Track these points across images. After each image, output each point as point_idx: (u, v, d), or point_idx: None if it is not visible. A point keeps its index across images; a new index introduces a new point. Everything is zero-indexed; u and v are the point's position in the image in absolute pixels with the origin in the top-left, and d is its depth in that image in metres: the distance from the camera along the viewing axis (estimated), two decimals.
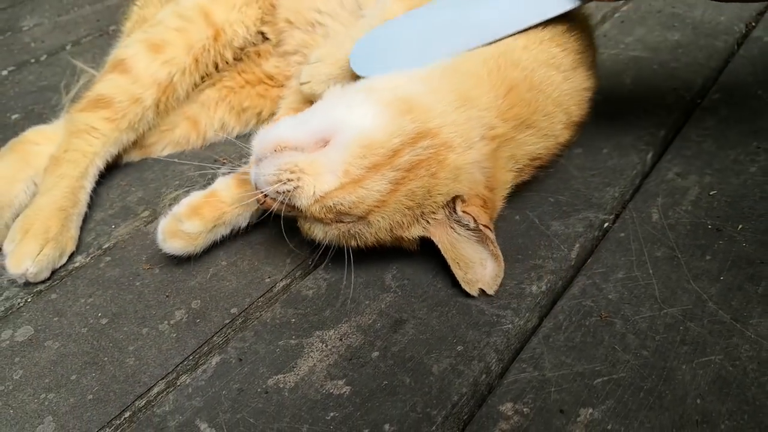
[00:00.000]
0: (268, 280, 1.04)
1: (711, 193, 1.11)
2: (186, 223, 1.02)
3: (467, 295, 0.96)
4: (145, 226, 1.19)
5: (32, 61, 1.92)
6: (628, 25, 1.76)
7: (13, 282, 1.08)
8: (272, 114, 1.39)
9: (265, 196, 0.91)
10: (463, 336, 0.90)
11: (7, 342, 0.97)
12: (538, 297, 0.95)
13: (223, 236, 1.08)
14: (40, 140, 1.27)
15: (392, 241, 0.95)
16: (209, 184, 1.26)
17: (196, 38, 1.30)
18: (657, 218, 1.07)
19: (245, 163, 1.22)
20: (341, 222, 0.91)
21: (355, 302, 0.97)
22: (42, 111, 1.62)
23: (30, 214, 1.11)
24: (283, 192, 0.88)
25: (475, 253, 0.93)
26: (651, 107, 1.37)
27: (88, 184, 1.20)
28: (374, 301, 0.97)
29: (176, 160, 1.38)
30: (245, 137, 1.40)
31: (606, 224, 1.09)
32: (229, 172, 1.28)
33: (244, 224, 1.10)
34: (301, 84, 1.10)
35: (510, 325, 0.91)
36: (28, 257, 1.04)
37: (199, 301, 1.01)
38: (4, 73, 1.86)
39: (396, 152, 0.86)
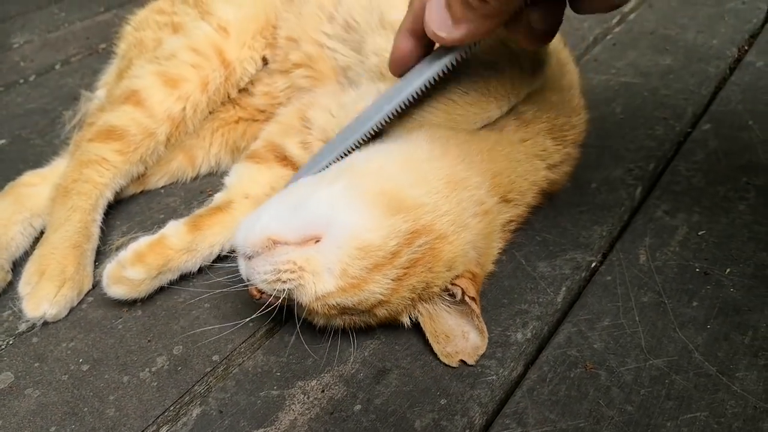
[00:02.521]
0: (251, 324, 1.02)
1: (699, 233, 1.10)
2: (129, 269, 1.01)
3: None
4: (116, 251, 1.17)
5: (21, 81, 1.90)
6: (619, 49, 1.75)
7: None
8: None
9: (261, 292, 0.89)
10: (446, 388, 0.89)
11: None
12: (524, 345, 0.94)
13: (170, 281, 1.08)
14: (36, 181, 1.26)
15: (392, 323, 0.94)
16: None
17: (211, 77, 1.28)
18: (644, 260, 1.06)
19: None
20: (345, 315, 0.89)
21: (339, 350, 0.96)
22: (29, 136, 1.60)
23: (45, 254, 1.09)
24: (284, 290, 0.86)
25: (456, 325, 0.91)
26: (641, 138, 1.36)
27: (99, 217, 1.19)
28: (357, 349, 0.96)
29: (162, 191, 1.37)
30: None
31: (593, 264, 1.08)
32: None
33: (195, 269, 1.09)
34: None
35: (494, 377, 0.90)
36: (46, 300, 1.03)
37: (181, 346, 0.99)
38: None
39: (395, 254, 0.84)
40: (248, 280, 0.90)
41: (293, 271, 0.85)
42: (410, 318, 0.92)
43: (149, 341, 1.01)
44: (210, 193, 1.35)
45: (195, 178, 1.40)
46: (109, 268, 1.03)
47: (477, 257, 0.93)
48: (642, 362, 0.90)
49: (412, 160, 0.92)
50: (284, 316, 0.97)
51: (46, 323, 1.05)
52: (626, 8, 1.98)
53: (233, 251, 1.04)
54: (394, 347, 0.96)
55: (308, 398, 0.90)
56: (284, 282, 0.85)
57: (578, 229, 1.14)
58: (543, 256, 1.09)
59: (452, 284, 0.89)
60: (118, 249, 1.06)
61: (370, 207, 0.86)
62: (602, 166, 1.28)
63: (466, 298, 0.88)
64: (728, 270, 1.03)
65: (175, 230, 1.08)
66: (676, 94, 1.51)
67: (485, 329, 0.90)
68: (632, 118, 1.43)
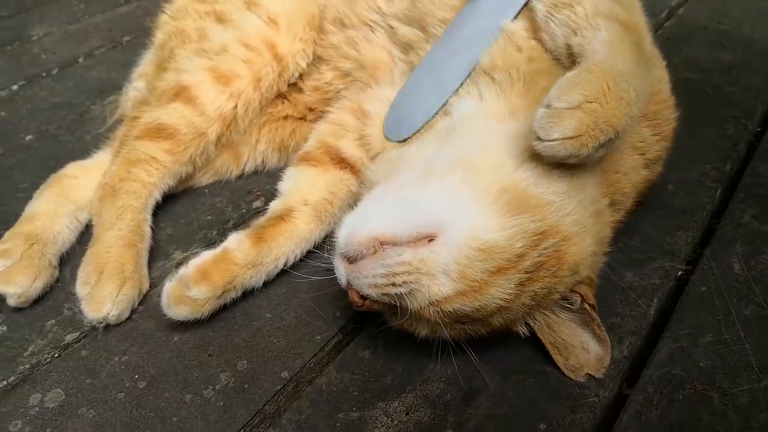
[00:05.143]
0: (318, 337, 0.95)
1: None
2: (193, 289, 0.93)
3: (541, 360, 0.88)
4: (176, 267, 1.10)
5: (43, 74, 1.82)
6: (674, 44, 1.67)
7: (38, 334, 0.99)
8: None
9: (363, 298, 0.80)
10: (544, 411, 0.82)
11: (37, 408, 0.88)
12: (621, 363, 0.87)
13: (233, 299, 0.99)
14: (79, 173, 1.20)
15: (503, 332, 0.87)
16: (242, 219, 1.19)
17: (263, 72, 1.20)
18: (739, 269, 0.99)
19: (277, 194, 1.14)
20: (458, 323, 0.81)
21: (419, 366, 0.89)
22: (57, 132, 1.52)
23: (100, 252, 1.02)
24: (395, 295, 0.77)
25: (574, 335, 0.85)
26: (712, 138, 1.29)
27: (149, 216, 1.12)
28: (439, 365, 0.89)
29: (206, 191, 1.29)
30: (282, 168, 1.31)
31: (680, 272, 1.01)
32: (263, 208, 1.21)
33: (259, 285, 1.02)
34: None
35: (595, 398, 0.83)
36: (108, 299, 0.96)
37: (245, 361, 0.92)
38: (14, 87, 1.76)
39: (520, 257, 0.76)
40: (348, 285, 0.81)
41: (410, 273, 0.76)
42: (527, 327, 0.85)
43: (210, 356, 0.93)
44: (258, 193, 1.27)
45: (240, 176, 1.32)
46: (170, 287, 0.94)
47: (594, 261, 0.86)
48: (755, 383, 0.83)
49: (531, 154, 0.83)
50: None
51: (107, 326, 0.98)
52: (673, 2, 1.91)
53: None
54: (480, 364, 0.88)
55: (392, 421, 0.82)
56: (398, 286, 0.76)
57: (661, 234, 1.07)
58: (628, 264, 1.02)
59: (571, 291, 0.82)
60: (178, 265, 0.98)
61: (492, 205, 0.79)
62: (676, 168, 1.21)
63: (586, 306, 0.81)
64: None
65: (238, 243, 0.99)
66: (742, 92, 1.43)
67: (606, 337, 0.83)
68: (700, 117, 1.36)
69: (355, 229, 0.81)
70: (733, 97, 1.42)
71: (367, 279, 0.78)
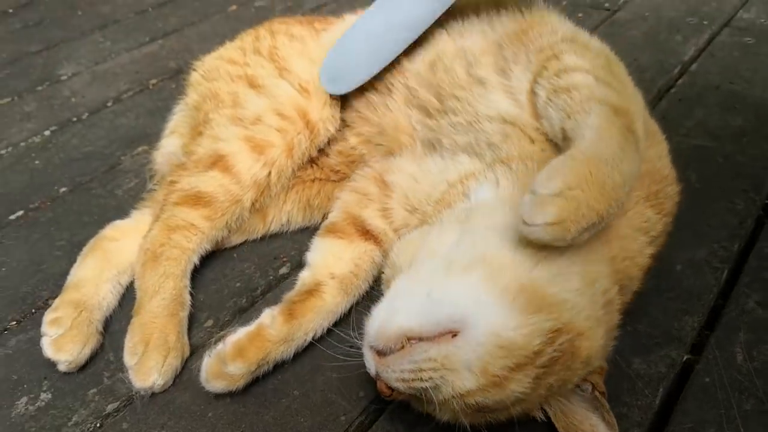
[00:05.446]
0: (343, 418, 1.01)
1: None
2: (230, 365, 1.01)
3: None
4: (210, 338, 1.17)
5: (74, 119, 1.89)
6: (686, 105, 1.72)
7: (81, 403, 1.06)
8: None
9: (391, 389, 0.86)
10: None
11: None
12: None
13: (265, 372, 1.07)
14: (118, 236, 1.28)
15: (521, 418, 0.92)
16: (269, 287, 1.26)
17: (296, 140, 1.27)
18: (741, 359, 1.04)
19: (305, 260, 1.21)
20: (479, 412, 0.86)
21: None
22: (90, 185, 1.59)
23: (146, 322, 1.09)
24: (420, 389, 0.83)
25: (585, 421, 0.90)
26: (721, 212, 1.34)
27: (188, 282, 1.19)
28: None
29: (235, 255, 1.36)
30: (306, 231, 1.38)
31: (688, 359, 1.06)
32: (289, 274, 1.27)
33: (289, 359, 1.09)
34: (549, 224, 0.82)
35: None
36: (155, 370, 1.04)
37: None
38: (47, 133, 1.83)
39: (537, 353, 0.82)
40: (377, 376, 0.87)
41: (436, 369, 0.82)
42: (543, 412, 0.91)
43: None
44: (284, 259, 1.33)
45: (264, 237, 1.39)
46: (209, 363, 1.02)
47: (605, 350, 0.92)
48: None
49: (546, 253, 0.89)
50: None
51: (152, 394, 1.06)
52: (686, 56, 1.96)
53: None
54: None
55: None
56: (425, 381, 0.82)
57: (669, 318, 1.12)
58: (636, 350, 1.07)
59: (583, 380, 0.88)
60: (217, 341, 1.05)
61: (511, 303, 0.84)
62: (685, 245, 1.26)
63: (596, 394, 0.87)
64: None
65: (271, 320, 1.07)
66: (752, 162, 1.48)
67: (615, 423, 0.88)
68: (709, 189, 1.41)
69: (384, 324, 0.87)
70: (742, 168, 1.46)
71: (396, 374, 0.85)
